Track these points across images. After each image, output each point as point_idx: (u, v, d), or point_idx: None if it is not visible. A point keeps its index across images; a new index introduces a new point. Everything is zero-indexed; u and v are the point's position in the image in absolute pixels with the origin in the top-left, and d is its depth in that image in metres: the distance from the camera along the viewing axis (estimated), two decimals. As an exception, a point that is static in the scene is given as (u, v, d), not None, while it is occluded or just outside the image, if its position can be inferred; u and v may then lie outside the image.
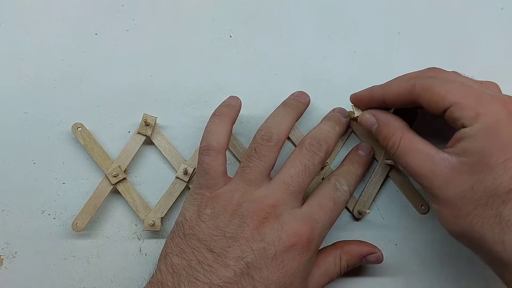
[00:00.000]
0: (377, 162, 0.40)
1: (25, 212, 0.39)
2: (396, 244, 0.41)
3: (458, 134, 0.29)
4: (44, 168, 0.39)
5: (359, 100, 0.37)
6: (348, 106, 0.41)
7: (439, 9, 0.43)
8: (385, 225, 0.41)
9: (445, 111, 0.29)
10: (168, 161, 0.39)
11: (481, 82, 0.32)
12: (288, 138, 0.40)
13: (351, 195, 0.35)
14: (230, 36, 0.42)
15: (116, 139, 0.40)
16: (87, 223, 0.38)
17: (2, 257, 0.39)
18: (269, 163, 0.32)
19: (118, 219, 0.40)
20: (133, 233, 0.40)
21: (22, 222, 0.39)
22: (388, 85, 0.34)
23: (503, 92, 0.32)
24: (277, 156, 0.33)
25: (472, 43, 0.43)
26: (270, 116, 0.36)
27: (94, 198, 0.38)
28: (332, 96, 0.42)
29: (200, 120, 0.40)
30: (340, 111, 0.39)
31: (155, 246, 0.40)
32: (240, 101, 0.37)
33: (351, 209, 0.40)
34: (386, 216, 0.41)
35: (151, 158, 0.40)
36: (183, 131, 0.40)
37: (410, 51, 0.42)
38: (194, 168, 0.39)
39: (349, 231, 0.41)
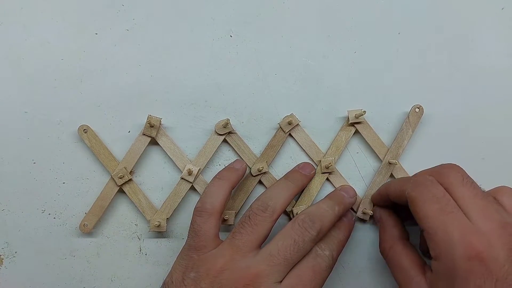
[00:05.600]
0: (381, 161, 0.40)
1: (25, 212, 0.39)
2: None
3: (431, 261, 0.29)
4: (44, 168, 0.39)
5: (374, 200, 0.40)
6: (348, 106, 0.41)
7: (439, 9, 0.43)
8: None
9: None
10: (172, 162, 0.39)
11: (488, 193, 0.30)
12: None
13: (334, 260, 0.33)
14: (230, 36, 0.42)
15: (116, 139, 0.40)
16: (94, 224, 0.38)
17: (2, 257, 0.39)
18: (260, 234, 0.32)
19: (118, 219, 0.40)
20: (133, 233, 0.40)
21: (22, 222, 0.39)
22: (389, 186, 0.36)
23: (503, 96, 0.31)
24: (271, 228, 0.33)
25: (472, 43, 0.43)
26: (270, 187, 0.36)
27: (100, 200, 0.38)
28: (332, 96, 0.42)
29: (200, 120, 0.40)
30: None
31: (155, 246, 0.40)
32: (245, 165, 0.38)
33: (355, 210, 0.40)
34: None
35: (153, 158, 0.40)
36: (183, 131, 0.40)
37: (410, 51, 0.42)
38: (199, 169, 0.39)
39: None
